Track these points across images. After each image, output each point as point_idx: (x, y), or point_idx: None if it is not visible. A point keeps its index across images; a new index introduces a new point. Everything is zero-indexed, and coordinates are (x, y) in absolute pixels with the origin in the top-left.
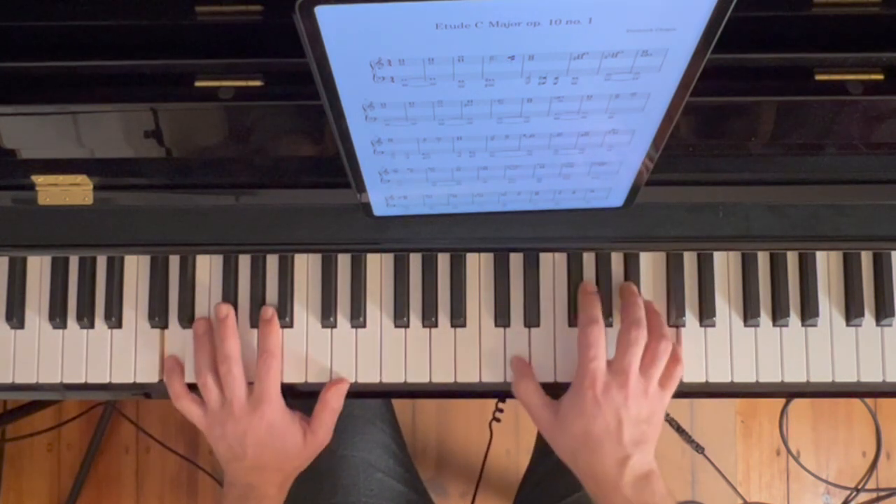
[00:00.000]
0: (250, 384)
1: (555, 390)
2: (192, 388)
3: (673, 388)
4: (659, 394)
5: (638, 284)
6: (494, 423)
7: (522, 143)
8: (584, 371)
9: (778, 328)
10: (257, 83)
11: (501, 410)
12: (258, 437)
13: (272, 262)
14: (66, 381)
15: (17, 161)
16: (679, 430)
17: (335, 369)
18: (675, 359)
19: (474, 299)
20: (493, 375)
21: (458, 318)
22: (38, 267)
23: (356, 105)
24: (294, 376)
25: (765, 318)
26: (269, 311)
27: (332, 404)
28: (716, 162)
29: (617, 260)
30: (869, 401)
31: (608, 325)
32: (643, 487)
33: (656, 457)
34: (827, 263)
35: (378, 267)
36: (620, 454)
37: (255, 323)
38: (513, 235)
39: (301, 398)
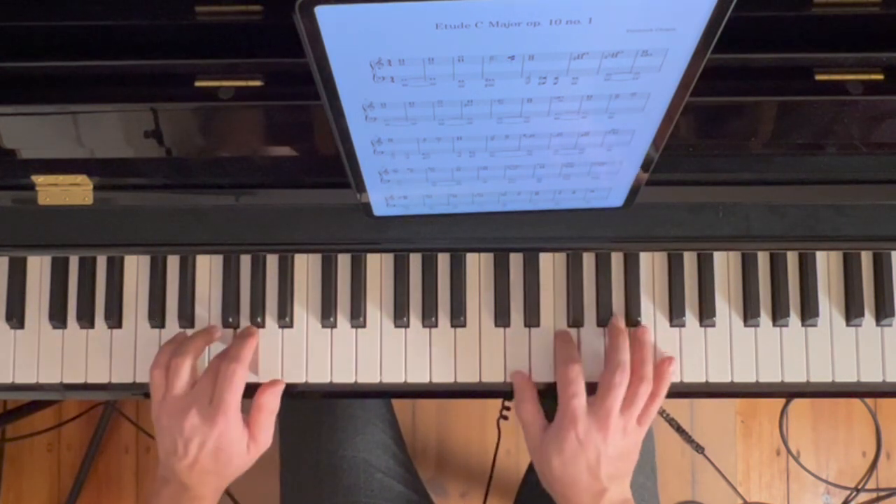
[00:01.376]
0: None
1: (554, 390)
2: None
3: (649, 423)
4: (636, 431)
5: (638, 284)
6: (502, 420)
7: (522, 143)
8: (565, 408)
9: (778, 328)
10: (257, 83)
11: (508, 409)
12: (205, 443)
13: (272, 262)
14: (66, 381)
15: (17, 161)
16: (679, 430)
17: (335, 369)
18: (653, 398)
19: (474, 299)
20: (493, 375)
21: (458, 318)
22: (38, 267)
23: (356, 105)
24: (294, 376)
25: (765, 318)
26: (253, 331)
27: (268, 406)
28: (716, 162)
29: (617, 260)
30: (869, 401)
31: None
32: None
33: (657, 457)
34: (827, 263)
35: (378, 267)
36: (597, 488)
37: (255, 323)
38: (513, 235)
39: (300, 398)
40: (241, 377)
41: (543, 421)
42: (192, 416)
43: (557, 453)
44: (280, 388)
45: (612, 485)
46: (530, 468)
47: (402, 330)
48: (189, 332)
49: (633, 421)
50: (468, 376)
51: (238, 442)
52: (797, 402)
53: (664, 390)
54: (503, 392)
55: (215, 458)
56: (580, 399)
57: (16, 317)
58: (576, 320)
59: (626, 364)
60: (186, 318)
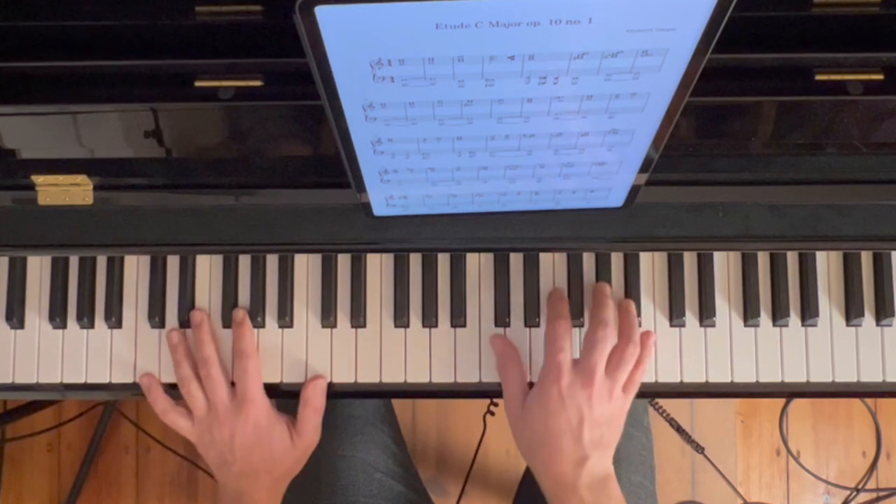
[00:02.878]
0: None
1: None
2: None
3: (634, 392)
4: (622, 398)
5: (638, 284)
6: (489, 416)
7: (522, 143)
8: (549, 364)
9: (778, 328)
10: (257, 83)
11: (496, 405)
12: (245, 438)
13: (272, 262)
14: (66, 381)
15: (17, 161)
16: (679, 430)
17: (335, 369)
18: (638, 364)
19: (474, 299)
20: (492, 375)
21: (458, 318)
22: (38, 267)
23: (356, 105)
24: (293, 376)
25: (765, 318)
26: (241, 314)
27: (312, 402)
28: (716, 162)
29: (617, 260)
30: (869, 401)
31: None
32: (600, 491)
33: (657, 457)
34: (827, 263)
35: (378, 267)
36: (579, 454)
37: (255, 323)
38: (513, 235)
39: (297, 398)
40: (254, 368)
41: (524, 385)
42: (225, 420)
43: (540, 410)
44: (323, 384)
45: (594, 453)
46: (528, 469)
47: (402, 330)
48: (187, 332)
49: (619, 386)
50: (468, 376)
51: (278, 432)
52: (797, 402)
53: (649, 358)
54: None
55: (258, 452)
56: (566, 354)
57: (16, 317)
58: (576, 321)
59: (610, 320)
60: (187, 318)
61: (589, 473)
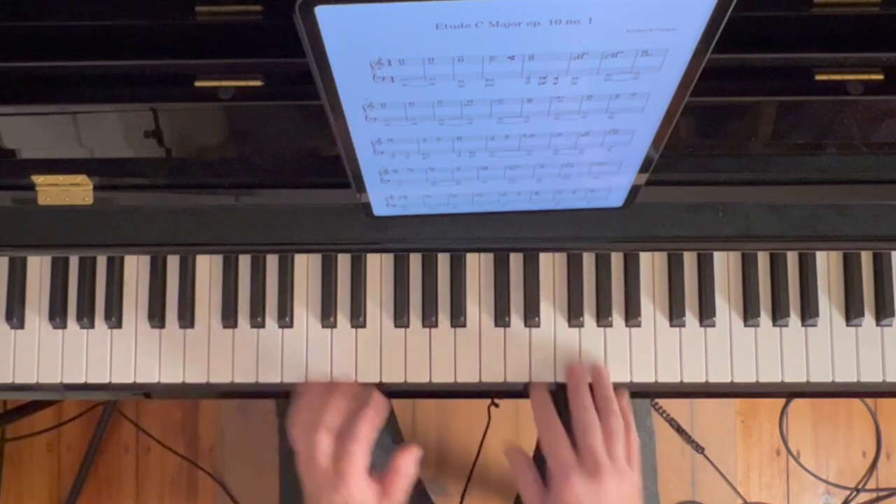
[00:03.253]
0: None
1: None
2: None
3: (637, 461)
4: (629, 472)
5: (638, 284)
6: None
7: (522, 143)
8: (554, 471)
9: (778, 328)
10: (257, 83)
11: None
12: None
13: (272, 262)
14: (66, 381)
15: (17, 161)
16: (679, 430)
17: (335, 369)
18: (628, 431)
19: (474, 299)
20: (493, 375)
21: (458, 318)
22: (38, 267)
23: (356, 105)
24: (293, 376)
25: (765, 318)
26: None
27: (403, 471)
28: (716, 162)
29: (617, 260)
30: (869, 401)
31: (608, 325)
32: None
33: (657, 457)
34: (827, 263)
35: (378, 267)
36: None
37: (255, 323)
38: (513, 235)
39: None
40: (361, 456)
41: (543, 490)
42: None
43: None
44: (417, 454)
45: None
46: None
47: (402, 330)
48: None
49: (622, 462)
50: (468, 376)
51: None
52: (797, 402)
53: (632, 421)
54: (503, 392)
55: None
56: (568, 457)
57: (16, 317)
58: (576, 321)
59: (590, 405)
60: (186, 318)
61: None
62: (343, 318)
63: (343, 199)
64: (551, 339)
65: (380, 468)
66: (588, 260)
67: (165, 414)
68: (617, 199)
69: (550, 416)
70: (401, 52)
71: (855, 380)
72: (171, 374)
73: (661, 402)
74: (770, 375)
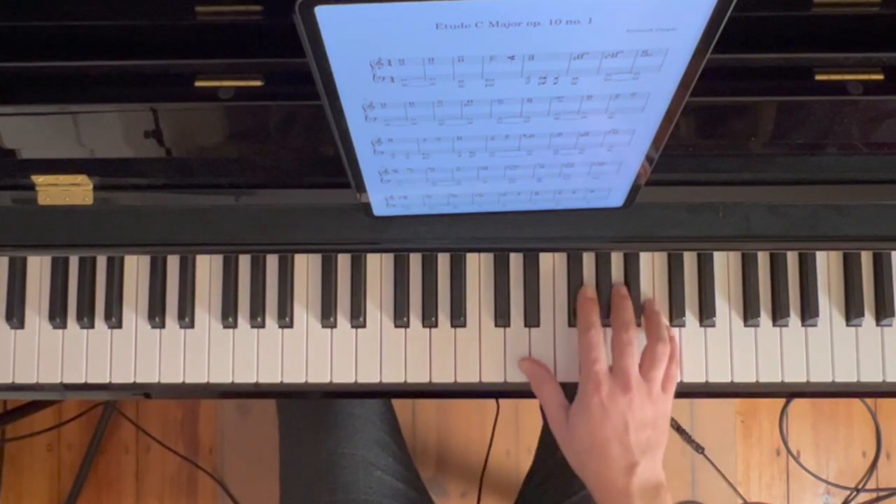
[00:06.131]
0: None
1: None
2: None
3: (673, 389)
4: (662, 397)
5: (638, 284)
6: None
7: (522, 143)
8: (587, 375)
9: (778, 328)
10: (257, 83)
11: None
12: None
13: (272, 262)
14: (66, 381)
15: (17, 161)
16: (679, 430)
17: (335, 369)
18: (672, 359)
19: (474, 299)
20: (493, 375)
21: (458, 318)
22: (38, 267)
23: (356, 105)
24: (293, 376)
25: (765, 318)
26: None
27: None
28: (716, 162)
29: (617, 260)
30: (869, 401)
31: (608, 325)
32: (652, 498)
33: None
34: (827, 263)
35: (378, 267)
36: (628, 460)
37: (255, 323)
38: (513, 235)
39: (300, 398)
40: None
41: (564, 399)
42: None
43: (585, 422)
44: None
45: (643, 458)
46: (534, 466)
47: (402, 330)
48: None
49: (657, 385)
50: (468, 376)
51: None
52: (797, 402)
53: (678, 353)
54: (503, 392)
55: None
56: (601, 364)
57: (16, 317)
58: (576, 320)
59: (631, 322)
60: (186, 318)
61: (640, 480)
62: (343, 319)
63: (343, 199)
64: (551, 339)
65: (381, 467)
66: (588, 260)
67: (165, 414)
68: (617, 199)
69: (592, 319)
70: (401, 52)
71: (855, 380)
72: (171, 375)
73: None
74: (770, 375)
